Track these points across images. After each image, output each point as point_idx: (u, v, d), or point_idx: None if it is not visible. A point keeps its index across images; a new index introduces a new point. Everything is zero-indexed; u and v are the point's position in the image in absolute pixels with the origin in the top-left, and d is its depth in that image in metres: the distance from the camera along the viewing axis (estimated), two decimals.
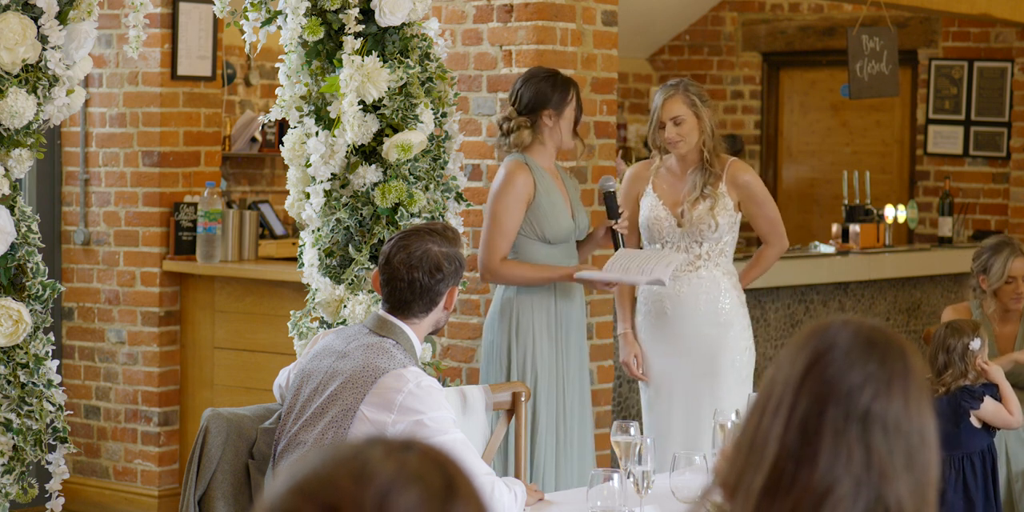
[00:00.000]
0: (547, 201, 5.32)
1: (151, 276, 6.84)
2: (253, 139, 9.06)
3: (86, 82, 6.72)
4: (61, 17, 4.41)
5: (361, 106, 4.66)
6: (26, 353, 4.44)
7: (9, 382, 4.44)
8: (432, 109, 4.80)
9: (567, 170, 5.89)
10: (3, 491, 4.43)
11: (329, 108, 4.74)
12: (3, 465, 4.42)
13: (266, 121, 5.00)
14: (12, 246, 4.44)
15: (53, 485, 4.58)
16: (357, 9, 4.69)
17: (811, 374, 1.87)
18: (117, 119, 6.89)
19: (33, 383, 4.45)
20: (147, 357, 6.85)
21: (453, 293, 3.85)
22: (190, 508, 3.79)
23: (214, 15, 6.22)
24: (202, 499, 3.82)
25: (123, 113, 6.87)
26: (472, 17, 6.07)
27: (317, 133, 4.73)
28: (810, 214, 10.42)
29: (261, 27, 4.86)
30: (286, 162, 4.87)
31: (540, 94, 5.34)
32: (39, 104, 4.39)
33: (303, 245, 4.89)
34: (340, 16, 4.69)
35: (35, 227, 4.49)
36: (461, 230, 4.82)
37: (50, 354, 4.52)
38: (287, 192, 4.92)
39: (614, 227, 5.37)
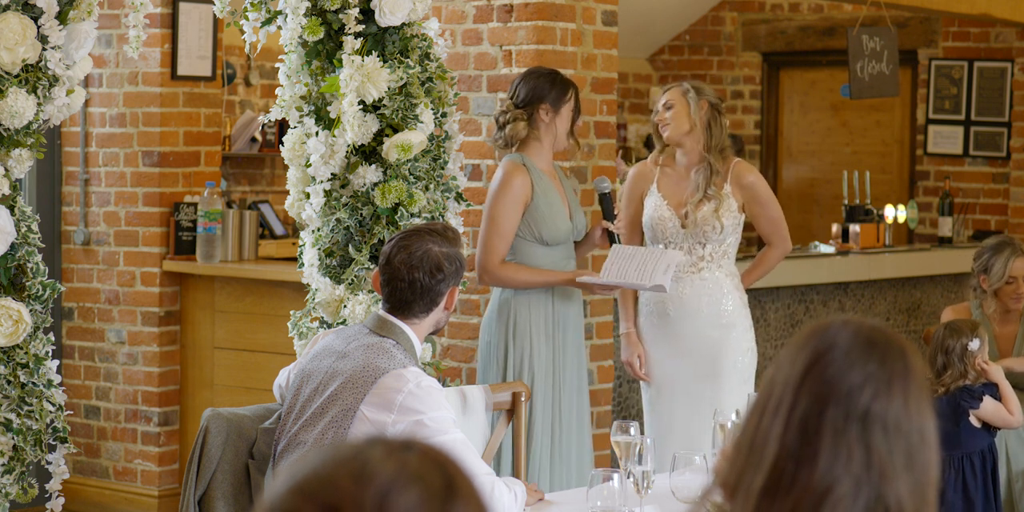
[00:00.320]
0: (544, 203, 5.32)
1: (151, 276, 6.84)
2: (253, 139, 9.06)
3: (86, 82, 6.72)
4: (61, 17, 4.41)
5: (361, 106, 4.66)
6: (26, 353, 4.44)
7: (9, 382, 4.44)
8: (432, 109, 4.80)
9: (566, 170, 5.89)
10: (3, 491, 4.43)
11: (329, 108, 4.74)
12: (3, 465, 4.42)
13: (266, 121, 5.00)
14: (12, 246, 4.44)
15: (53, 485, 4.58)
16: (357, 9, 4.69)
17: (811, 374, 1.87)
18: (117, 119, 6.89)
19: (33, 383, 4.45)
20: (147, 357, 6.85)
21: (453, 293, 3.85)
22: (190, 508, 3.79)
23: (214, 15, 6.22)
24: (202, 499, 3.82)
25: (123, 113, 6.87)
26: (472, 17, 6.07)
27: (317, 133, 4.73)
28: (810, 214, 10.42)
29: (261, 27, 4.86)
30: (286, 162, 4.87)
31: (538, 88, 5.34)
32: (39, 104, 4.39)
33: (303, 245, 4.89)
34: (340, 16, 4.69)
35: (35, 227, 4.49)
36: (461, 230, 4.82)
37: (50, 354, 4.52)
38: (287, 192, 4.92)
39: (611, 228, 5.37)
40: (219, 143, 7.12)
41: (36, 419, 4.45)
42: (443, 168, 4.88)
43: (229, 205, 7.36)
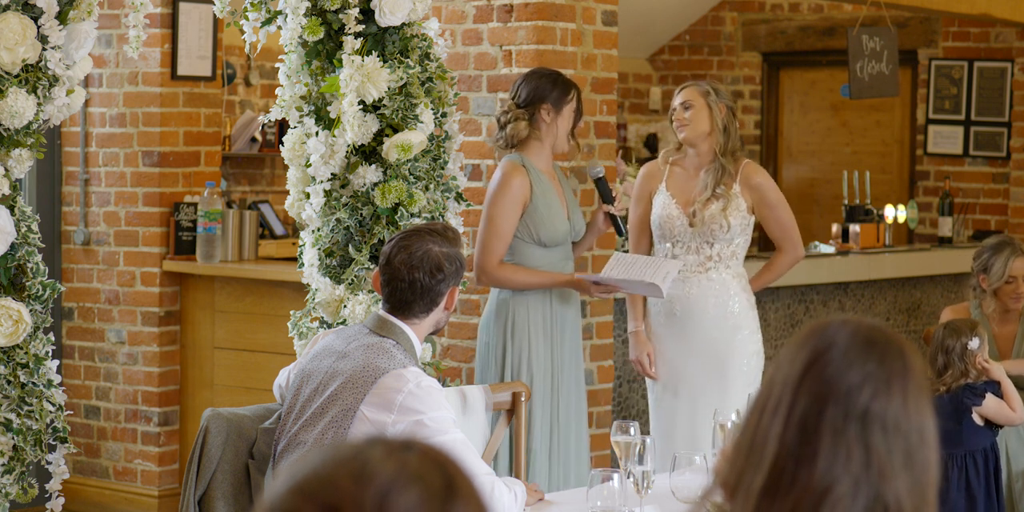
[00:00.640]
0: (543, 204, 5.31)
1: (151, 276, 6.84)
2: (253, 139, 9.06)
3: (86, 82, 6.72)
4: (61, 17, 4.41)
5: (361, 106, 4.66)
6: (26, 353, 4.44)
7: (9, 382, 4.44)
8: (432, 109, 4.80)
9: (566, 170, 5.89)
10: (3, 491, 4.43)
11: (329, 108, 4.74)
12: (3, 465, 4.42)
13: (266, 121, 5.00)
14: (12, 246, 4.44)
15: (53, 485, 4.58)
16: (357, 9, 4.69)
17: (810, 373, 1.87)
18: (117, 119, 6.89)
19: (33, 383, 4.45)
20: (147, 357, 6.85)
21: (454, 293, 3.85)
22: (190, 508, 3.80)
23: (214, 15, 6.22)
24: (202, 499, 3.82)
25: (123, 113, 6.88)
26: (472, 17, 6.08)
27: (317, 133, 4.73)
28: (810, 214, 10.42)
29: (261, 27, 4.87)
30: (286, 162, 4.87)
31: (540, 89, 5.34)
32: (39, 104, 4.39)
33: (303, 245, 4.89)
34: (340, 16, 4.69)
35: (35, 227, 4.49)
36: (461, 230, 4.82)
37: (50, 354, 4.52)
38: (287, 192, 4.92)
39: (612, 211, 5.37)
40: (219, 143, 7.12)
41: (36, 419, 4.45)
42: (443, 168, 4.88)
43: (229, 205, 7.36)
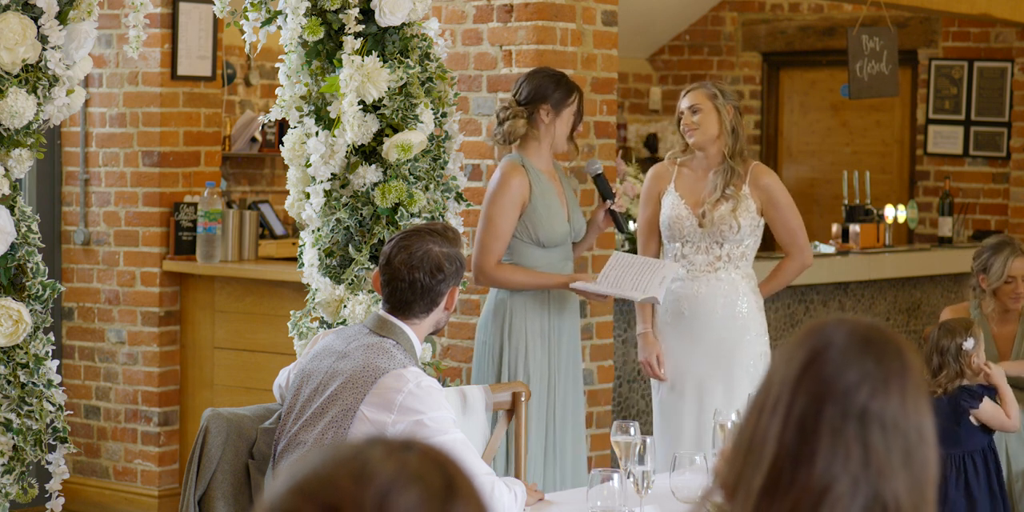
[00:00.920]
0: (542, 204, 5.31)
1: (151, 276, 6.84)
2: (253, 139, 9.06)
3: (86, 82, 6.72)
4: (61, 17, 4.41)
5: (361, 106, 4.66)
6: (26, 353, 4.44)
7: (9, 382, 4.44)
8: (432, 109, 4.80)
9: (566, 170, 5.89)
10: (3, 491, 4.43)
11: (329, 108, 4.74)
12: (3, 465, 4.42)
13: (266, 121, 5.00)
14: (12, 246, 4.44)
15: (53, 485, 4.58)
16: (357, 9, 4.69)
17: (808, 373, 1.87)
18: (117, 119, 6.90)
19: (33, 383, 4.45)
20: (147, 357, 6.85)
21: (454, 293, 3.85)
22: (190, 508, 3.80)
23: (214, 15, 6.22)
24: (202, 499, 3.82)
25: (123, 113, 6.88)
26: (472, 17, 6.08)
27: (317, 133, 4.73)
28: (810, 214, 10.41)
29: (261, 27, 4.87)
30: (286, 162, 4.87)
31: (541, 88, 5.34)
32: (39, 104, 4.39)
33: (303, 245, 4.89)
34: (340, 16, 4.69)
35: (35, 227, 4.49)
36: (461, 230, 4.82)
37: (50, 354, 4.52)
38: (287, 192, 4.92)
39: (612, 208, 5.36)
40: (219, 143, 7.12)
41: (36, 419, 4.45)
42: (443, 168, 4.88)
43: (229, 205, 7.36)
